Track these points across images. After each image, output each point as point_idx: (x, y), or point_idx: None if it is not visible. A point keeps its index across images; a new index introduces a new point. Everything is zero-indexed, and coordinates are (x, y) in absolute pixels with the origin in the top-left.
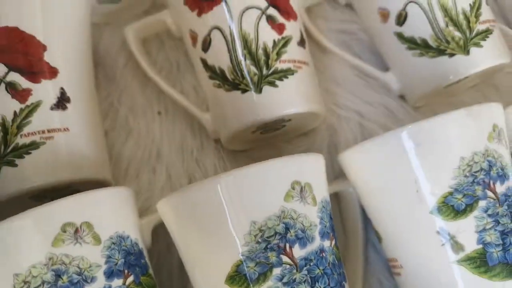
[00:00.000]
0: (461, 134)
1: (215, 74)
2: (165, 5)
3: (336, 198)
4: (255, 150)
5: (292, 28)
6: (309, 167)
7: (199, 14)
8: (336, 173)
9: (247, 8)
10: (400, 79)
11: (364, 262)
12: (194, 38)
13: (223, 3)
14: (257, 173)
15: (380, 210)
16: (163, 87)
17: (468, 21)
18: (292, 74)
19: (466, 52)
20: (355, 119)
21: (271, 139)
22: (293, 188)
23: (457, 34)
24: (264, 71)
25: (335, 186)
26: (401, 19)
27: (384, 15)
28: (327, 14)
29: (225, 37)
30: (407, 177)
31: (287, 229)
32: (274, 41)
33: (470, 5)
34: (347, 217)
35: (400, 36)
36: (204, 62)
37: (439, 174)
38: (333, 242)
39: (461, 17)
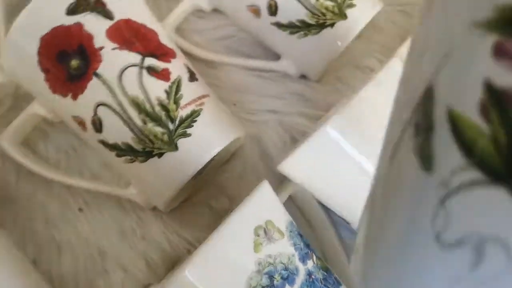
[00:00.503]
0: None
1: (122, 150)
2: (31, 95)
3: (290, 200)
4: (193, 195)
5: (177, 67)
6: (261, 204)
7: (75, 98)
8: (278, 176)
9: (123, 70)
10: (295, 63)
11: (343, 247)
12: (81, 123)
13: (94, 76)
14: (218, 246)
15: (334, 198)
16: (71, 182)
17: None
18: (199, 114)
19: (344, 16)
20: (273, 118)
21: (205, 176)
22: (258, 235)
23: (329, 3)
24: (171, 126)
25: (284, 194)
26: (273, 9)
27: (255, 10)
28: (198, 26)
29: (114, 110)
30: (348, 163)
31: (271, 277)
32: (166, 91)
33: None
34: (309, 214)
35: (278, 25)
36: (104, 143)
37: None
38: (314, 257)
39: None
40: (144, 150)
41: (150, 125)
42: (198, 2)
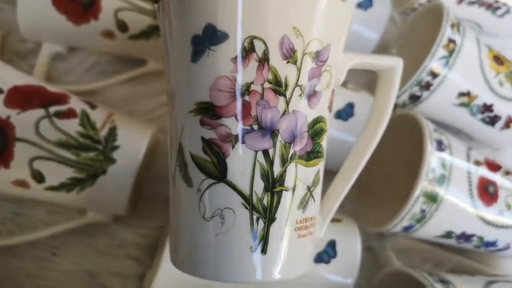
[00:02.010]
0: None
1: (70, 185)
2: None
3: None
4: (140, 193)
5: (76, 104)
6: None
7: (7, 167)
8: None
9: (36, 125)
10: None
11: None
12: (22, 184)
13: (16, 142)
14: None
15: None
16: (34, 237)
17: None
18: (116, 128)
19: None
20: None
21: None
22: None
23: None
24: (100, 147)
25: None
26: (122, 27)
27: (109, 34)
28: (64, 68)
29: (47, 158)
30: None
31: None
32: (80, 124)
33: None
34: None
35: (132, 37)
36: (51, 188)
37: None
38: None
39: None
40: (89, 175)
41: (83, 154)
42: (54, 48)
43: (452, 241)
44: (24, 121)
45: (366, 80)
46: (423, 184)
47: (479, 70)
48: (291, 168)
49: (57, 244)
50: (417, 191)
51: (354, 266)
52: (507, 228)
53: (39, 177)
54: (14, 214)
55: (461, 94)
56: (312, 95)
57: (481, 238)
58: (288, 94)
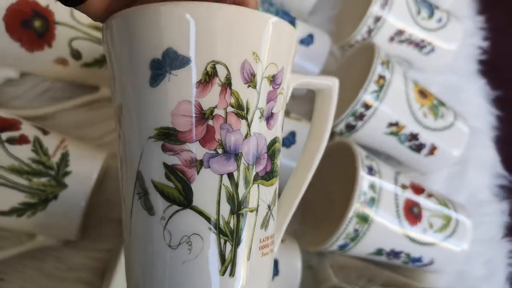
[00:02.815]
0: None
1: (21, 210)
2: None
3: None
4: (91, 217)
5: (29, 130)
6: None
7: None
8: None
9: None
10: None
11: None
12: None
13: None
14: None
15: None
16: None
17: None
18: (68, 154)
19: None
20: None
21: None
22: None
23: None
24: (52, 172)
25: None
26: (76, 55)
27: (62, 61)
28: (15, 93)
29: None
30: None
31: None
32: (32, 150)
33: None
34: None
35: (86, 65)
36: (1, 213)
37: None
38: None
39: None
40: (41, 200)
41: (35, 179)
42: (6, 73)
43: (383, 258)
44: None
45: (308, 110)
46: (356, 206)
47: (406, 103)
48: (254, 189)
49: (6, 269)
50: (351, 212)
51: (295, 283)
52: (430, 245)
53: None
54: None
55: (391, 124)
56: (270, 117)
57: (408, 255)
58: (249, 117)
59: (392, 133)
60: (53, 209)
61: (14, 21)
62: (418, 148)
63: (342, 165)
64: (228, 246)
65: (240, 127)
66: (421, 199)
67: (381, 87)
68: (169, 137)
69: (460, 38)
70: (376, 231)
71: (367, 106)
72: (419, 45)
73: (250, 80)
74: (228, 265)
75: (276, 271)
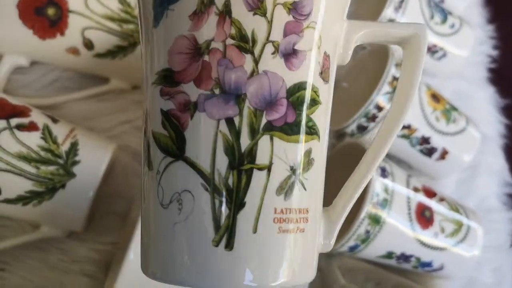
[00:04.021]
0: None
1: (27, 198)
2: None
3: None
4: (96, 210)
5: (38, 117)
6: None
7: None
8: None
9: None
10: (126, 79)
11: None
12: None
13: None
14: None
15: None
16: None
17: None
18: (78, 143)
19: None
20: (128, 127)
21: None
22: None
23: None
24: (61, 161)
25: None
26: (89, 45)
27: (74, 51)
28: (23, 82)
29: (6, 170)
30: None
31: None
32: (42, 137)
33: None
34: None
35: (99, 55)
36: (7, 201)
37: None
38: None
39: None
40: (48, 189)
41: (43, 167)
42: (16, 61)
43: (392, 261)
44: None
45: None
46: (368, 207)
47: (419, 106)
48: (264, 141)
49: (7, 259)
50: (363, 213)
51: (303, 285)
52: (441, 250)
53: None
54: None
55: (403, 127)
56: (291, 55)
57: (418, 259)
58: (256, 51)
59: (403, 136)
60: (60, 198)
61: (28, 8)
62: (429, 152)
63: (353, 166)
64: (225, 210)
65: (244, 62)
66: (433, 203)
67: (394, 89)
68: (166, 79)
69: (472, 44)
70: (387, 233)
71: (379, 108)
72: (431, 50)
73: (257, 6)
74: (224, 234)
75: None
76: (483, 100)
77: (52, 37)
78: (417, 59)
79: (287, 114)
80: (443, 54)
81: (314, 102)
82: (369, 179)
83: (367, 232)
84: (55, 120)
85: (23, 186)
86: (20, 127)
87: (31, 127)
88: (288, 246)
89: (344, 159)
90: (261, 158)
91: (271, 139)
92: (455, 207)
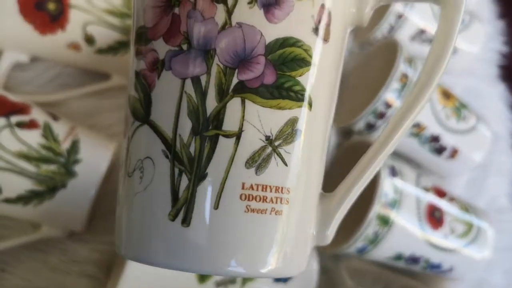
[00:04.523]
0: None
1: (28, 198)
2: None
3: None
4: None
5: (39, 114)
6: None
7: None
8: None
9: None
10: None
11: None
12: None
13: None
14: None
15: None
16: None
17: None
18: (79, 142)
19: None
20: None
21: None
22: None
23: None
24: (62, 160)
25: None
26: (91, 41)
27: (75, 47)
28: (24, 78)
29: (5, 169)
30: None
31: None
32: (42, 135)
33: None
34: None
35: (100, 51)
36: (7, 200)
37: None
38: None
39: None
40: (49, 188)
41: (44, 166)
42: (16, 57)
43: (401, 263)
44: None
45: None
46: (377, 207)
47: (428, 104)
48: (234, 104)
49: (7, 259)
50: (371, 213)
51: (310, 286)
52: (451, 251)
53: None
54: None
55: (412, 125)
56: (272, 5)
57: (427, 260)
58: (230, 0)
59: (412, 134)
60: (61, 198)
61: (28, 3)
62: (439, 150)
63: None
64: (184, 180)
65: (215, 14)
66: (443, 203)
67: (403, 86)
68: (141, 38)
69: (482, 40)
70: (396, 234)
71: (388, 105)
72: None
73: None
74: (181, 207)
75: None
76: (493, 98)
77: (53, 32)
78: (455, 18)
79: (264, 74)
80: (453, 51)
81: (304, 62)
82: (375, 171)
83: (376, 233)
84: (56, 118)
85: (24, 185)
86: (20, 124)
87: (32, 124)
88: (257, 229)
89: (351, 158)
90: (230, 123)
91: (243, 102)
92: (465, 208)
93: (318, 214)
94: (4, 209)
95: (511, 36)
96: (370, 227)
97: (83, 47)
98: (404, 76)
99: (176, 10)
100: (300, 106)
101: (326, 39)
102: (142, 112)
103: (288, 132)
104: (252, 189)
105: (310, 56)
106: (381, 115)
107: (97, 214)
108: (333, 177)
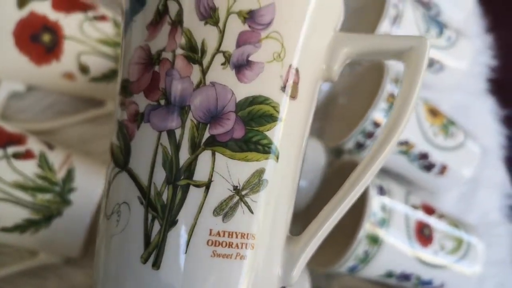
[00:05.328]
0: None
1: (24, 226)
2: None
3: None
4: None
5: (34, 144)
6: None
7: None
8: None
9: None
10: None
11: None
12: None
13: None
14: None
15: None
16: None
17: None
18: (74, 170)
19: None
20: None
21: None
22: None
23: None
24: (57, 189)
25: None
26: (85, 69)
27: (69, 76)
28: (20, 107)
29: (2, 199)
30: None
31: None
32: (38, 165)
33: None
34: None
35: (94, 79)
36: (3, 229)
37: None
38: None
39: None
40: (45, 217)
41: (40, 196)
42: (13, 87)
43: (393, 280)
44: None
45: None
46: (366, 227)
47: (416, 122)
48: (205, 157)
49: (6, 286)
50: (361, 233)
51: None
52: (441, 267)
53: None
54: None
55: (400, 143)
56: (243, 66)
57: (418, 278)
58: (205, 61)
59: (401, 152)
60: (57, 226)
61: (23, 36)
62: (428, 167)
63: None
64: (157, 226)
65: (191, 73)
66: (432, 220)
67: (391, 105)
68: (125, 90)
69: (469, 56)
70: (386, 252)
71: (376, 124)
72: (428, 64)
73: (209, 16)
74: (152, 251)
75: None
76: (483, 112)
77: (48, 63)
78: (417, 74)
79: (234, 129)
80: (440, 68)
81: (272, 118)
82: (347, 207)
83: (366, 252)
84: (51, 147)
85: (20, 214)
86: (17, 155)
87: (28, 155)
88: (223, 273)
89: (342, 177)
90: (200, 174)
91: (213, 154)
92: (454, 224)
93: (284, 257)
94: (1, 238)
95: (499, 49)
96: (360, 246)
97: (77, 76)
98: (391, 96)
99: (156, 68)
100: (267, 158)
101: (293, 96)
102: (121, 159)
103: (255, 182)
104: (219, 235)
105: (278, 112)
106: (369, 135)
107: (93, 239)
108: (324, 197)
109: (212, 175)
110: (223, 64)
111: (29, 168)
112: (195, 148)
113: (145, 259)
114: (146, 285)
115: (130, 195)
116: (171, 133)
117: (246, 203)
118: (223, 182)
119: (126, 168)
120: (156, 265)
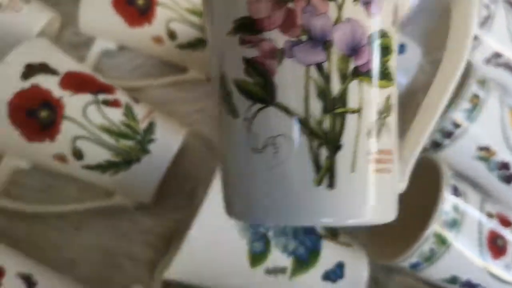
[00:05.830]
0: None
1: (106, 167)
2: None
3: None
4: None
5: (122, 95)
6: None
7: (52, 140)
8: None
9: (85, 109)
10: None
11: None
12: (61, 158)
13: (64, 120)
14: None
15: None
16: (62, 209)
17: None
18: (155, 124)
19: None
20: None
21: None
22: None
23: None
24: (139, 137)
25: None
26: (173, 35)
27: (158, 39)
28: (112, 63)
29: (89, 139)
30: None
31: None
32: (124, 114)
33: None
34: None
35: (180, 46)
36: (88, 167)
37: None
38: None
39: None
40: (125, 161)
41: (123, 141)
42: (106, 45)
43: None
44: (74, 103)
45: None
46: (436, 225)
47: (500, 128)
48: (354, 86)
49: (82, 220)
50: (429, 230)
51: None
52: (510, 285)
53: (78, 154)
54: (48, 186)
55: (481, 148)
56: (370, 3)
57: None
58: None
59: (481, 158)
60: (135, 171)
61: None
62: (509, 179)
63: (424, 181)
64: (324, 151)
65: (328, 10)
66: (507, 232)
67: (474, 106)
68: (246, 27)
69: None
70: (454, 256)
71: (456, 125)
72: None
73: None
74: (326, 174)
75: (341, 274)
76: None
77: (140, 25)
78: (466, 21)
79: (369, 61)
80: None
81: (389, 50)
82: (435, 119)
83: (432, 250)
84: (136, 101)
85: (103, 155)
86: (106, 102)
87: (115, 103)
88: (383, 186)
89: (414, 173)
90: (352, 102)
91: (360, 84)
92: None
93: (397, 166)
94: (84, 174)
95: None
96: (426, 243)
97: (165, 41)
98: (476, 97)
99: (291, 5)
100: (392, 86)
101: (396, 31)
102: (264, 95)
103: (387, 106)
104: (376, 154)
105: (392, 45)
106: (448, 134)
107: (165, 193)
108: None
109: (361, 103)
110: (354, 1)
111: (116, 115)
112: (345, 79)
113: (319, 181)
114: (323, 204)
115: (286, 127)
116: (319, 66)
117: (386, 124)
118: (370, 107)
119: (274, 103)
120: (331, 185)
